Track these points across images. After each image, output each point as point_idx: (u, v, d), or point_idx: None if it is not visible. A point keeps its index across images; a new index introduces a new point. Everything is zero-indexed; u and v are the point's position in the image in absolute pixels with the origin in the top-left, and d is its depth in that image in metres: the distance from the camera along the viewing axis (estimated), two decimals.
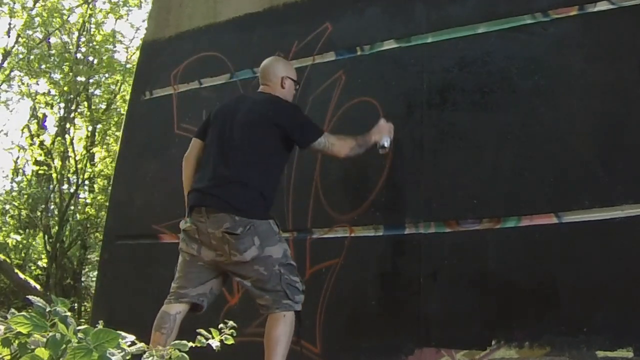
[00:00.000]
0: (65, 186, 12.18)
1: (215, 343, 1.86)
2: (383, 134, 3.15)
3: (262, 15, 4.34)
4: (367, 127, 3.70)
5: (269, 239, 2.76)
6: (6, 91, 13.11)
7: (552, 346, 2.89)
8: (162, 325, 2.83)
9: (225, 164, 2.85)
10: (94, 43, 12.18)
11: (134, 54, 12.28)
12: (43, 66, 11.78)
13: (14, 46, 11.93)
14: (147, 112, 4.71)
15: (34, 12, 11.68)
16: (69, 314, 1.31)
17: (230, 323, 1.98)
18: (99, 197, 11.79)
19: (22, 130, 13.49)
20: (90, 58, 12.24)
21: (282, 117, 2.92)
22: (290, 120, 2.93)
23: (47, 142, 12.35)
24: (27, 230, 12.47)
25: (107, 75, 12.12)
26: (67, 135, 12.23)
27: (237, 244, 2.72)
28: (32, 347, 1.29)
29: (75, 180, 11.94)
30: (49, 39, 12.46)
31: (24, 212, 12.45)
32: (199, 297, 2.90)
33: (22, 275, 10.13)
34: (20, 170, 13.79)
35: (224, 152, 2.88)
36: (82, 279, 12.29)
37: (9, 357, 1.30)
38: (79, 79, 11.60)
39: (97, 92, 12.73)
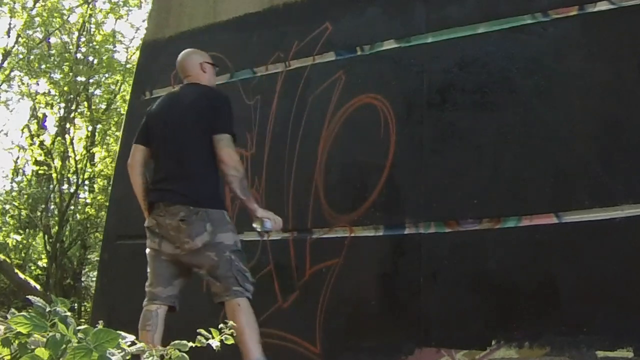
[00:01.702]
0: (65, 186, 12.17)
1: (215, 343, 1.86)
2: (268, 217, 2.93)
3: (262, 15, 4.34)
4: (367, 127, 3.70)
5: (221, 226, 2.83)
6: (6, 91, 13.11)
7: (552, 346, 2.89)
8: (145, 322, 2.93)
9: (175, 161, 2.95)
10: (94, 43, 12.18)
11: (134, 54, 12.28)
12: (43, 66, 11.78)
13: (14, 46, 11.92)
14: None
15: (34, 12, 11.67)
16: (69, 314, 1.31)
17: (230, 323, 1.98)
18: (99, 197, 11.78)
19: (22, 130, 13.48)
20: (90, 58, 12.23)
21: (216, 105, 2.98)
22: (221, 107, 2.98)
23: (47, 142, 12.34)
24: (27, 230, 12.46)
25: (107, 75, 12.11)
26: (67, 135, 12.22)
27: (189, 230, 2.80)
28: (32, 347, 1.29)
29: (75, 180, 11.93)
30: (49, 39, 12.46)
31: (24, 212, 12.44)
32: (169, 298, 2.97)
33: (22, 275, 10.12)
34: (20, 170, 13.78)
35: (172, 150, 2.98)
36: (82, 279, 12.29)
37: (9, 357, 1.30)
38: (79, 79, 11.59)
39: (97, 92, 12.72)
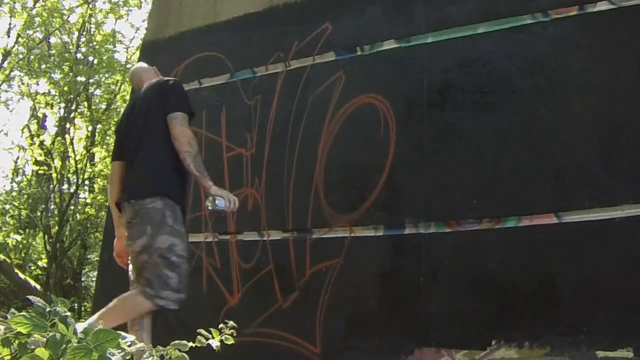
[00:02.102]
0: (65, 186, 12.17)
1: (215, 343, 1.86)
2: (222, 195, 2.87)
3: (262, 15, 4.34)
4: (367, 127, 3.70)
5: (160, 228, 2.80)
6: (6, 91, 13.12)
7: (552, 346, 2.89)
8: (132, 323, 2.89)
9: (129, 163, 3.00)
10: (94, 43, 12.18)
11: (134, 54, 12.28)
12: (43, 66, 11.78)
13: (14, 46, 11.92)
14: None
15: (34, 12, 11.67)
16: (69, 314, 1.31)
17: (230, 323, 1.98)
18: (99, 197, 11.79)
19: (22, 130, 13.48)
20: (90, 58, 12.23)
21: (164, 88, 3.01)
22: (169, 88, 3.00)
23: (47, 142, 12.34)
24: (27, 230, 12.47)
25: (107, 75, 12.12)
26: (67, 135, 12.22)
27: (132, 232, 2.84)
28: (32, 347, 1.29)
29: (75, 180, 11.94)
30: (49, 39, 12.46)
31: (24, 212, 12.45)
32: None
33: (22, 275, 10.13)
34: (20, 170, 13.79)
35: (127, 154, 3.03)
36: (82, 279, 12.29)
37: (9, 357, 1.30)
38: (79, 79, 11.59)
39: (97, 92, 12.73)
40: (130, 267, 2.99)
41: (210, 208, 2.85)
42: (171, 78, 3.14)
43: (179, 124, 2.85)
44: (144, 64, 3.43)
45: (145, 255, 2.80)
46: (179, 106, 2.91)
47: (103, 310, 2.75)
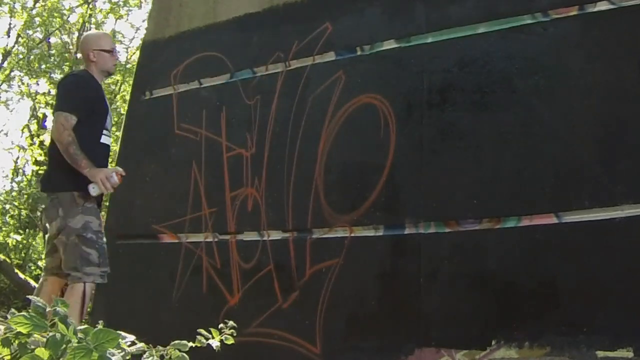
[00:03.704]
0: None
1: (215, 343, 1.86)
2: (93, 178, 3.02)
3: (262, 15, 4.34)
4: (367, 127, 3.70)
5: (71, 210, 3.01)
6: (6, 91, 13.13)
7: (552, 346, 2.89)
8: (35, 293, 3.16)
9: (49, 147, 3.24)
10: None
11: (134, 54, 12.28)
12: (43, 66, 11.78)
13: (14, 46, 11.93)
14: (147, 112, 4.71)
15: (34, 12, 11.67)
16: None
17: (230, 323, 1.98)
18: None
19: (22, 130, 13.48)
20: None
21: (58, 87, 3.21)
22: (60, 88, 3.19)
23: (47, 142, 12.32)
24: (27, 230, 12.46)
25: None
26: None
27: (46, 216, 3.09)
28: (32, 347, 1.29)
29: None
30: (49, 39, 12.46)
31: (24, 212, 12.44)
32: (53, 269, 3.18)
33: (22, 275, 10.12)
34: (20, 170, 13.78)
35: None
36: None
37: (9, 357, 1.30)
38: None
39: None
40: (47, 249, 3.22)
41: (91, 192, 3.02)
42: (70, 76, 3.31)
43: (53, 122, 3.08)
44: (86, 42, 3.36)
45: (63, 237, 3.00)
46: (58, 106, 3.10)
47: None
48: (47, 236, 3.25)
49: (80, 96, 3.13)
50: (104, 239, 3.10)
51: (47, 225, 3.20)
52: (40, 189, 3.25)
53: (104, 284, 4.65)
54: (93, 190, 3.01)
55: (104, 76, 3.33)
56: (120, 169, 3.15)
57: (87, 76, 3.22)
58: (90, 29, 12.45)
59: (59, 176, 3.08)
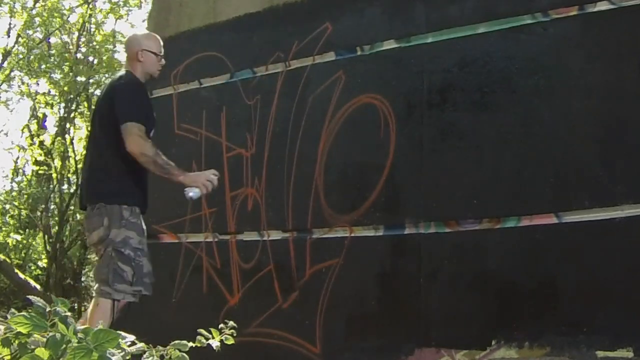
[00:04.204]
0: (65, 186, 12.17)
1: (215, 343, 1.86)
2: (195, 183, 2.93)
3: (262, 15, 4.34)
4: (367, 127, 3.70)
5: (115, 222, 2.87)
6: (6, 91, 13.11)
7: (552, 346, 2.89)
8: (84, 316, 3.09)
9: (89, 155, 3.09)
10: (94, 43, 12.18)
11: None
12: (43, 66, 11.77)
13: (14, 46, 11.92)
14: None
15: (34, 12, 11.67)
16: (69, 314, 1.31)
17: (230, 323, 1.98)
18: None
19: (22, 130, 13.47)
20: (90, 58, 12.23)
21: (115, 92, 2.97)
22: (118, 95, 2.95)
23: (47, 142, 12.34)
24: (27, 230, 12.47)
25: (107, 75, 12.11)
26: (67, 135, 12.22)
27: (88, 224, 2.94)
28: (32, 347, 1.28)
29: (75, 180, 11.93)
30: (49, 39, 12.46)
31: (24, 212, 12.44)
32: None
33: (22, 275, 10.13)
34: (20, 170, 13.78)
35: (89, 145, 3.13)
36: (82, 279, 12.28)
37: (9, 357, 1.30)
38: (79, 79, 11.59)
39: (97, 92, 12.72)
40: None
41: (192, 196, 2.91)
42: (129, 82, 3.03)
43: (127, 134, 2.84)
44: (133, 41, 3.19)
45: (103, 248, 2.88)
46: (126, 116, 2.87)
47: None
48: (89, 245, 3.16)
49: (143, 104, 2.99)
50: (143, 257, 2.91)
51: (87, 235, 3.04)
52: (84, 199, 3.00)
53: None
54: (194, 194, 2.90)
55: (147, 79, 3.15)
56: (214, 171, 3.02)
57: (139, 81, 3.07)
58: (90, 29, 12.46)
59: (108, 187, 2.92)
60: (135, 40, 3.16)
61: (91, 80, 11.96)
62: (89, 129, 3.27)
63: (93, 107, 3.37)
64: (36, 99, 12.72)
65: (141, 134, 2.85)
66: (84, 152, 3.33)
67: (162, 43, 3.22)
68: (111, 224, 2.85)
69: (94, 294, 3.00)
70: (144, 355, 1.53)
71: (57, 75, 11.88)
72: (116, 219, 2.87)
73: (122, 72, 3.13)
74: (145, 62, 3.10)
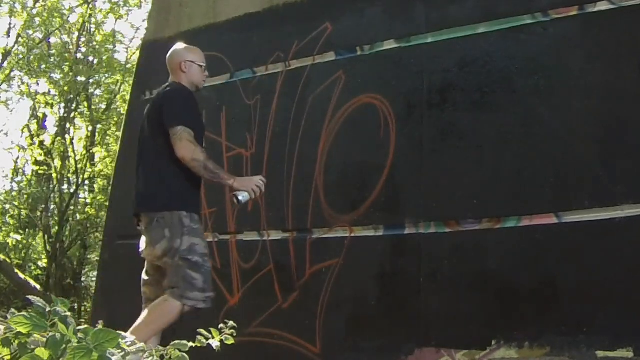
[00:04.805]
0: (65, 186, 12.18)
1: (215, 343, 1.86)
2: (245, 188, 2.90)
3: (262, 15, 4.34)
4: (367, 127, 3.70)
5: (177, 231, 2.82)
6: (6, 91, 13.12)
7: (552, 346, 2.89)
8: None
9: (141, 165, 3.01)
10: (94, 43, 12.19)
11: (134, 54, 12.28)
12: (43, 66, 11.78)
13: (14, 46, 11.93)
14: None
15: (34, 12, 11.67)
16: (69, 314, 1.31)
17: (230, 323, 1.98)
18: (99, 197, 11.79)
19: (22, 130, 13.48)
20: (90, 58, 12.24)
21: (164, 99, 2.95)
22: (166, 102, 2.94)
23: (47, 142, 12.34)
24: (27, 230, 12.47)
25: (107, 75, 12.12)
26: (67, 135, 12.23)
27: (151, 238, 2.86)
28: (32, 347, 1.29)
29: (75, 180, 11.94)
30: (49, 39, 12.46)
31: (24, 212, 12.45)
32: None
33: (22, 275, 10.13)
34: (20, 170, 13.78)
35: (139, 154, 3.05)
36: (82, 279, 12.29)
37: (9, 357, 1.30)
38: (79, 79, 11.60)
39: (97, 92, 12.73)
40: (144, 275, 3.04)
41: (241, 200, 2.88)
42: (177, 88, 3.03)
43: (176, 140, 2.81)
44: (177, 52, 3.19)
45: (168, 259, 2.81)
46: (175, 120, 2.85)
47: (136, 324, 2.76)
48: (147, 260, 3.02)
49: (192, 109, 2.96)
50: (209, 263, 2.90)
51: (146, 247, 2.95)
52: (139, 208, 2.94)
53: (107, 285, 4.67)
54: (243, 197, 2.87)
55: (192, 89, 3.09)
56: (262, 177, 2.99)
57: (187, 88, 3.03)
58: (90, 29, 12.46)
59: (165, 196, 2.87)
60: (177, 53, 3.17)
61: (91, 80, 11.98)
62: (139, 138, 3.14)
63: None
64: (36, 99, 12.72)
65: (191, 138, 2.81)
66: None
67: (204, 57, 3.21)
68: (173, 233, 2.80)
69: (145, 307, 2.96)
70: (144, 355, 1.53)
71: (57, 75, 11.89)
72: (177, 227, 2.81)
73: (167, 84, 3.11)
74: (189, 72, 3.09)
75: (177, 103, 2.93)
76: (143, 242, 2.99)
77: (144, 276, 3.07)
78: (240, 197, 2.87)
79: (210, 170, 2.84)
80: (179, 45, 3.25)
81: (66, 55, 11.93)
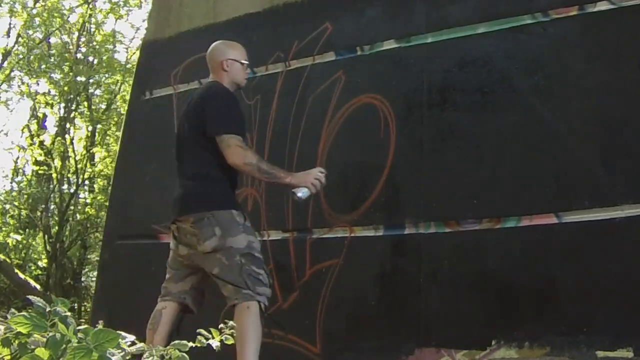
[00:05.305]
0: (65, 186, 12.18)
1: (215, 343, 1.86)
2: (303, 183, 2.88)
3: (262, 15, 4.34)
4: (367, 127, 3.70)
5: (231, 229, 2.76)
6: (6, 91, 13.12)
7: (552, 346, 2.89)
8: (150, 321, 2.93)
9: (184, 163, 2.96)
10: (94, 43, 12.19)
11: (134, 54, 12.28)
12: (43, 66, 11.78)
13: (14, 46, 11.93)
14: (147, 112, 4.70)
15: (34, 12, 11.67)
16: (69, 314, 1.31)
17: (231, 323, 1.98)
18: (99, 197, 11.79)
19: (22, 130, 13.48)
20: (90, 58, 12.24)
21: (206, 103, 2.89)
22: (210, 107, 2.87)
23: (47, 142, 12.35)
24: (27, 230, 12.47)
25: (107, 75, 12.12)
26: (67, 135, 12.23)
27: (199, 234, 2.78)
28: (32, 347, 1.29)
29: (75, 180, 11.94)
30: (49, 39, 12.46)
31: (24, 212, 12.45)
32: (180, 294, 2.96)
33: (22, 275, 10.13)
34: (20, 170, 13.78)
35: (182, 151, 2.99)
36: (82, 279, 12.30)
37: (9, 357, 1.30)
38: (79, 79, 11.60)
39: (97, 92, 12.74)
40: (175, 264, 2.98)
41: (301, 197, 2.85)
42: (220, 92, 2.92)
43: (225, 147, 2.77)
44: (217, 50, 3.05)
45: (223, 257, 2.75)
46: (221, 128, 2.80)
47: (238, 350, 2.65)
48: (182, 256, 2.93)
49: (236, 113, 2.89)
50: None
51: (182, 244, 2.89)
52: (185, 208, 2.87)
53: (107, 285, 4.66)
54: (302, 194, 2.83)
55: (234, 88, 3.01)
56: (321, 169, 2.95)
57: (228, 90, 2.95)
58: (90, 29, 12.46)
59: (216, 194, 2.84)
60: (218, 50, 3.05)
61: (91, 80, 11.98)
62: (178, 137, 3.08)
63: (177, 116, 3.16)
64: (36, 99, 12.72)
65: (239, 143, 2.77)
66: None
67: (246, 53, 3.08)
68: (225, 232, 2.74)
69: (164, 302, 2.93)
70: (144, 355, 1.53)
71: (57, 75, 11.89)
72: (232, 225, 2.76)
73: (208, 82, 3.04)
74: (231, 71, 3.00)
75: (220, 110, 2.86)
76: (176, 242, 2.95)
77: (168, 273, 3.01)
78: (299, 194, 2.84)
79: (264, 171, 2.81)
80: (220, 42, 3.12)
81: (66, 55, 11.93)
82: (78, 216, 12.09)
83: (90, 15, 12.20)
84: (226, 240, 2.74)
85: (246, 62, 3.06)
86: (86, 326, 1.31)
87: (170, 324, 2.90)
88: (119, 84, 12.24)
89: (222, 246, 2.74)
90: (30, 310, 1.31)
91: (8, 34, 12.07)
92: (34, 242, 12.57)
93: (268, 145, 4.05)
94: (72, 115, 12.29)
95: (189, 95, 3.27)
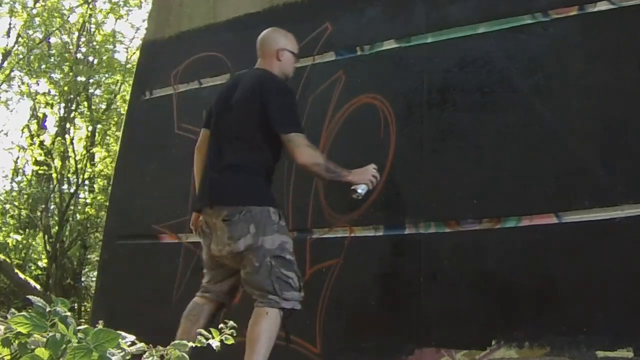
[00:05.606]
0: (65, 186, 12.18)
1: (215, 343, 1.86)
2: (362, 180, 2.86)
3: (262, 15, 4.34)
4: (367, 127, 3.70)
5: (265, 228, 2.66)
6: (6, 91, 13.13)
7: (552, 346, 2.89)
8: (190, 312, 2.86)
9: (220, 151, 2.82)
10: (94, 43, 12.20)
11: (134, 54, 12.28)
12: (43, 66, 11.78)
13: (14, 46, 11.93)
14: (147, 112, 4.70)
15: (34, 12, 11.68)
16: (69, 314, 1.31)
17: (231, 323, 1.98)
18: (99, 197, 11.80)
19: (22, 130, 13.49)
20: (90, 58, 12.24)
21: (267, 95, 2.76)
22: (273, 101, 2.75)
23: (47, 142, 12.35)
24: (27, 230, 12.48)
25: (107, 75, 12.13)
26: (67, 135, 12.24)
27: (232, 231, 2.66)
28: (32, 347, 1.29)
29: (75, 180, 11.94)
30: (49, 39, 12.47)
31: (24, 212, 12.45)
32: (219, 295, 2.91)
33: (22, 275, 10.13)
34: (20, 170, 13.79)
35: (220, 139, 2.85)
36: (82, 279, 12.30)
37: (9, 357, 1.30)
38: (79, 79, 11.61)
39: (97, 92, 12.74)
40: (211, 262, 2.88)
41: (360, 192, 2.86)
42: (281, 85, 2.83)
43: (295, 147, 2.68)
44: (273, 38, 2.94)
45: (253, 258, 2.64)
46: (289, 126, 2.72)
47: (247, 352, 2.60)
48: (215, 255, 2.80)
49: (297, 109, 2.83)
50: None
51: (216, 243, 2.75)
52: (217, 198, 2.72)
53: (107, 285, 4.66)
54: (362, 190, 2.83)
55: (282, 79, 2.92)
56: (374, 165, 2.93)
57: (286, 84, 2.85)
58: (90, 29, 12.46)
59: (254, 189, 2.71)
60: (273, 38, 2.94)
61: (91, 80, 11.98)
62: (214, 122, 2.93)
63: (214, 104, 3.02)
64: (36, 99, 12.73)
65: (307, 142, 2.71)
66: (203, 148, 3.01)
67: (297, 43, 3.02)
68: (259, 230, 2.62)
69: (203, 300, 2.87)
70: (144, 355, 1.53)
71: (57, 75, 11.90)
72: (266, 224, 2.65)
73: (260, 70, 2.90)
74: (284, 62, 2.91)
75: (287, 106, 2.76)
76: (206, 239, 2.82)
77: (206, 275, 2.94)
78: (359, 190, 2.84)
79: (331, 170, 2.77)
80: (275, 30, 3.01)
81: (66, 55, 11.94)
82: (78, 216, 12.09)
83: (90, 15, 12.21)
84: (259, 239, 2.64)
85: (297, 54, 3.00)
86: (86, 326, 1.31)
87: (208, 320, 2.85)
88: (119, 84, 12.25)
89: (255, 245, 2.64)
90: (30, 310, 1.31)
91: (8, 34, 12.08)
92: (34, 242, 12.57)
93: None
94: (72, 115, 12.29)
95: (231, 80, 3.14)
